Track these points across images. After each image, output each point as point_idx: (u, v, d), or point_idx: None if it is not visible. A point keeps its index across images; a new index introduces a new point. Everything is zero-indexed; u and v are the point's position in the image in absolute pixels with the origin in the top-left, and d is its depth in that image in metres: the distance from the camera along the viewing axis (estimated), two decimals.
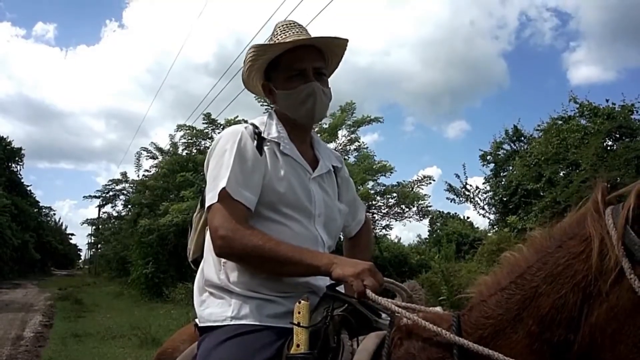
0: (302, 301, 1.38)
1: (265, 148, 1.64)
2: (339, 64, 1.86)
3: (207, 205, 1.57)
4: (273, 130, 1.69)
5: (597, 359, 0.98)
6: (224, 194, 1.52)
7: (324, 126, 13.77)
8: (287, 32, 1.70)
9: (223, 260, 1.59)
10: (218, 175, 1.57)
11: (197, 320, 1.63)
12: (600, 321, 0.98)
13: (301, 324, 1.34)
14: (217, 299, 1.58)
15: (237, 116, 15.62)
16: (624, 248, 0.97)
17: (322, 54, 1.74)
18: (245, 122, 1.78)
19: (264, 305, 1.52)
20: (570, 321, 1.01)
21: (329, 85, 1.75)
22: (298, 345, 1.32)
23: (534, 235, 1.17)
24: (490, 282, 1.20)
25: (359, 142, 15.06)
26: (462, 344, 1.11)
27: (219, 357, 1.45)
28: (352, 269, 1.40)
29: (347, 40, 1.76)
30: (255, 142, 1.63)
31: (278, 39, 1.70)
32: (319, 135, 1.91)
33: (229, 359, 1.43)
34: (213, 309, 1.57)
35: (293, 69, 1.67)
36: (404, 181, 15.09)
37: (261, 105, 13.54)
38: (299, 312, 1.36)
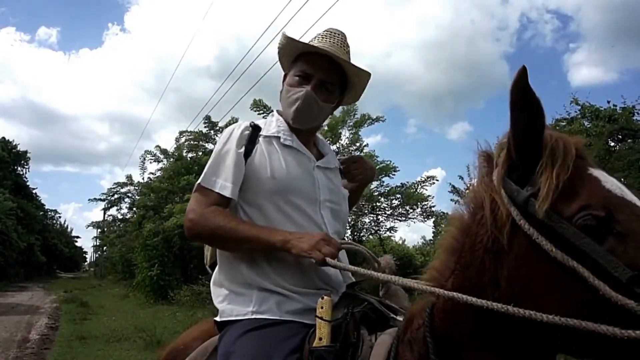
0: (325, 297, 1.44)
1: (262, 140, 1.71)
2: (359, 96, 1.90)
3: None
4: (272, 126, 1.76)
5: (521, 307, 1.03)
6: (198, 186, 1.66)
7: (325, 128, 13.79)
8: (326, 38, 1.74)
9: (240, 259, 1.65)
10: (204, 172, 1.68)
11: (217, 317, 1.66)
12: (511, 273, 1.05)
13: (324, 318, 1.40)
14: (237, 295, 1.63)
15: (238, 118, 15.67)
16: (508, 198, 1.05)
17: (341, 73, 1.76)
18: None
19: (283, 301, 1.57)
20: (492, 282, 1.09)
21: (330, 102, 1.77)
22: (320, 339, 1.37)
23: (456, 215, 1.25)
24: (441, 267, 1.26)
25: (360, 142, 15.06)
26: (439, 292, 1.18)
27: (241, 349, 1.49)
28: (307, 243, 1.49)
29: (368, 74, 1.79)
30: (248, 134, 1.70)
31: (315, 41, 1.75)
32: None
33: (251, 351, 1.47)
34: (234, 304, 1.62)
35: (302, 70, 1.73)
36: (407, 182, 15.10)
37: (258, 114, 13.60)
38: (322, 307, 1.42)
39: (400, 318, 1.43)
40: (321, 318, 1.40)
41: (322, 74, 1.72)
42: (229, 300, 1.64)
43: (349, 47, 1.78)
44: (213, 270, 1.81)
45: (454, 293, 1.13)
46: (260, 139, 1.71)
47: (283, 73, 1.85)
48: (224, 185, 1.62)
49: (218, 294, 1.70)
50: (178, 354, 1.83)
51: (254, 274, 1.62)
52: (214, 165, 1.66)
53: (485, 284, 1.10)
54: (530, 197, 1.02)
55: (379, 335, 1.39)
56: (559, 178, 1.00)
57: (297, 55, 1.77)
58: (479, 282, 1.11)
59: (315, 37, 1.77)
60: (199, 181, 1.65)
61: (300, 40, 1.77)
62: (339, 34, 1.78)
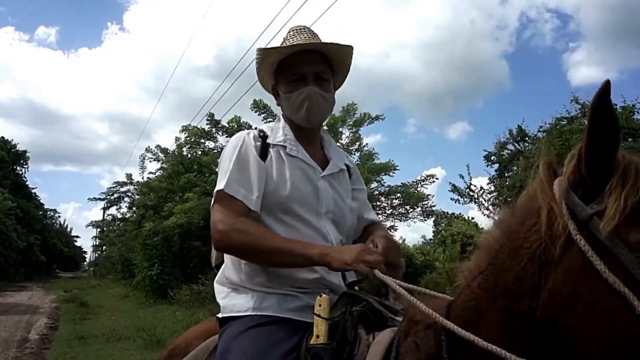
0: (323, 295, 1.44)
1: (272, 151, 1.70)
2: (348, 71, 1.87)
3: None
4: (279, 134, 1.75)
5: (558, 322, 1.02)
6: (222, 194, 1.61)
7: (324, 127, 13.75)
8: (296, 37, 1.74)
9: (243, 262, 1.65)
10: (220, 181, 1.64)
11: (219, 314, 1.67)
12: (556, 285, 1.02)
13: (321, 316, 1.40)
14: (239, 292, 1.64)
15: (241, 117, 15.65)
16: (568, 211, 1.02)
17: (326, 59, 1.76)
18: (250, 126, 1.82)
19: (284, 299, 1.58)
20: (532, 290, 1.06)
21: (331, 91, 1.78)
22: (318, 336, 1.37)
23: (501, 216, 1.24)
24: (472, 266, 1.25)
25: (360, 141, 15.05)
26: (448, 327, 1.16)
27: (240, 345, 1.49)
28: (349, 255, 1.43)
29: (350, 47, 1.78)
30: (260, 145, 1.69)
31: (287, 43, 1.74)
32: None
33: (250, 348, 1.47)
34: (237, 300, 1.62)
35: (293, 73, 1.72)
36: (408, 182, 15.10)
37: (258, 115, 13.59)
38: (320, 305, 1.42)
39: (399, 318, 1.42)
40: (319, 316, 1.40)
41: (314, 68, 1.72)
42: (231, 296, 1.65)
43: (318, 35, 1.79)
44: (219, 270, 1.81)
45: (461, 330, 1.11)
46: (270, 149, 1.70)
47: (271, 86, 1.83)
48: (248, 197, 1.60)
49: (220, 291, 1.71)
50: (179, 352, 1.83)
51: (257, 275, 1.62)
52: (237, 172, 1.62)
53: (523, 291, 1.07)
54: (593, 216, 1.00)
55: (377, 334, 1.38)
56: (627, 201, 0.97)
57: (278, 64, 1.76)
58: (516, 288, 1.09)
59: (285, 40, 1.76)
60: (221, 187, 1.60)
61: (277, 47, 1.75)
62: (305, 29, 1.78)
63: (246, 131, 1.76)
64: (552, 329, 1.03)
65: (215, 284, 1.77)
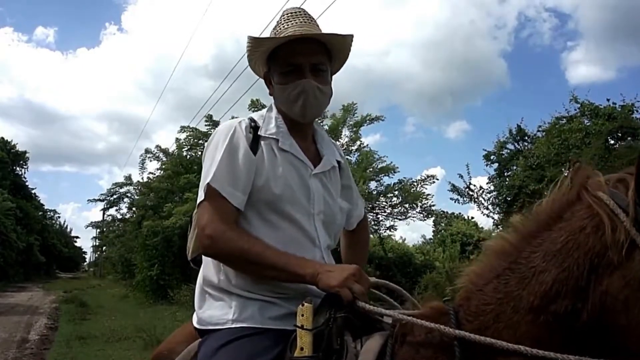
0: (306, 304, 1.37)
1: (263, 143, 1.60)
2: (346, 59, 1.75)
3: (198, 202, 1.56)
4: (272, 126, 1.64)
5: (608, 323, 1.04)
6: (212, 191, 1.51)
7: (325, 127, 13.78)
8: (291, 21, 1.62)
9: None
10: (208, 172, 1.54)
11: (196, 324, 1.60)
12: (612, 288, 1.04)
13: (305, 327, 1.33)
14: (216, 300, 1.56)
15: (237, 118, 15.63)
16: (635, 222, 1.05)
17: (324, 47, 1.64)
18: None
19: (265, 307, 1.50)
20: (577, 291, 1.07)
21: (329, 82, 1.67)
22: (302, 349, 1.31)
23: (516, 223, 1.23)
24: (482, 271, 1.24)
25: (360, 141, 15.04)
26: (461, 336, 1.15)
27: None
28: (337, 278, 1.38)
29: (350, 36, 1.67)
30: (251, 137, 1.59)
31: (280, 28, 1.62)
32: None
33: None
34: (213, 311, 1.55)
35: (288, 64, 1.60)
36: (405, 178, 15.04)
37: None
38: (302, 315, 1.35)
39: (387, 320, 1.38)
40: (302, 327, 1.33)
41: (311, 59, 1.60)
42: (208, 306, 1.58)
43: (314, 18, 1.67)
44: (194, 264, 1.74)
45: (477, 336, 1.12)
46: (262, 141, 1.60)
47: (263, 74, 1.72)
48: (235, 194, 1.51)
49: (198, 298, 1.64)
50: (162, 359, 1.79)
51: (237, 278, 1.54)
52: (226, 167, 1.52)
53: (565, 292, 1.08)
54: None
55: (364, 340, 1.33)
56: None
57: (272, 51, 1.64)
58: (556, 290, 1.09)
59: (278, 25, 1.64)
60: (208, 180, 1.50)
61: (270, 36, 1.64)
62: (300, 12, 1.66)
63: (237, 120, 1.65)
64: (599, 329, 1.05)
65: (196, 287, 1.68)
